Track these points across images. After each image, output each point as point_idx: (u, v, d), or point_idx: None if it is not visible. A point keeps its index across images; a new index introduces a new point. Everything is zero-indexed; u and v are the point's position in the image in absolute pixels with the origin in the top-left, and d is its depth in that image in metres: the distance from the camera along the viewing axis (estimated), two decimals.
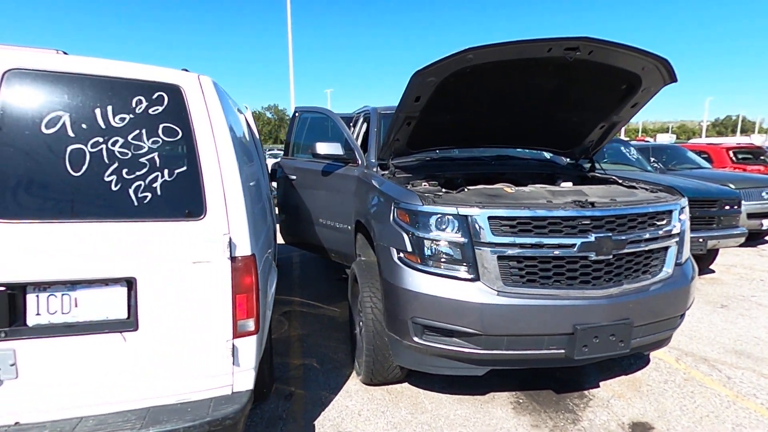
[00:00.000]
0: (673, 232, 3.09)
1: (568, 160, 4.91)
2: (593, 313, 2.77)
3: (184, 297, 2.09)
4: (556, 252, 2.77)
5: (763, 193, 8.24)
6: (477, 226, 2.77)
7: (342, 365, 3.96)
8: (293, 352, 4.23)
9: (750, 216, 7.97)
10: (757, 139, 32.91)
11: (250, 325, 2.23)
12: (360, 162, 4.53)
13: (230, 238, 2.13)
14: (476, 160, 4.43)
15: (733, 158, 11.45)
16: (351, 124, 5.83)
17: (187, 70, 2.35)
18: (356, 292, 3.86)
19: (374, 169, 4.18)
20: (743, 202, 6.88)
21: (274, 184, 6.08)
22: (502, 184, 3.87)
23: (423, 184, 3.76)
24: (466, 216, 2.80)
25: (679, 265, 3.16)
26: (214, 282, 2.12)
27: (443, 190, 3.54)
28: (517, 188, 3.35)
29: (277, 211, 5.93)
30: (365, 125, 5.34)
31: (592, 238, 2.77)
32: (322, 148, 4.52)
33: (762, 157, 11.94)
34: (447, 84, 3.21)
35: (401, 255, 3.01)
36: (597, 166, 4.40)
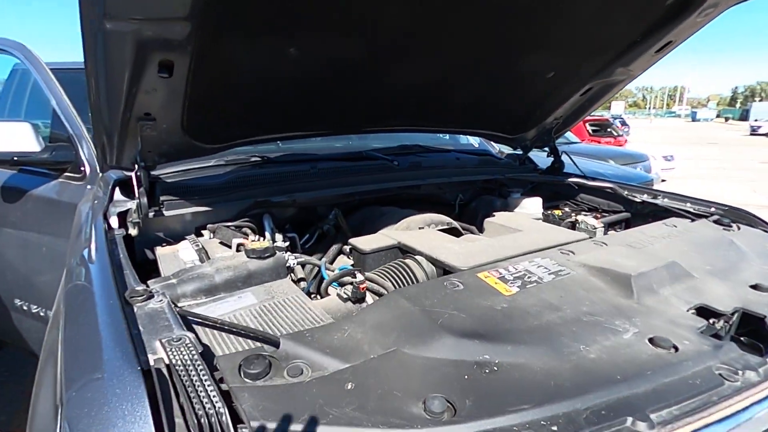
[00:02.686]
0: None
1: (501, 148, 2.99)
2: None
3: None
4: None
5: (638, 169, 7.82)
6: None
7: None
8: None
9: None
10: None
11: None
12: (87, 168, 1.87)
13: None
14: (360, 159, 2.15)
15: (589, 131, 11.45)
16: None
17: None
18: None
19: (110, 190, 1.60)
20: None
21: None
22: (427, 224, 1.70)
23: (237, 241, 1.36)
24: None
25: None
26: None
27: (291, 257, 1.22)
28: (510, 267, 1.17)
29: None
30: None
31: None
32: None
33: (609, 129, 12.30)
34: None
35: None
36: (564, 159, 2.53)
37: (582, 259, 1.17)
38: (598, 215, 2.27)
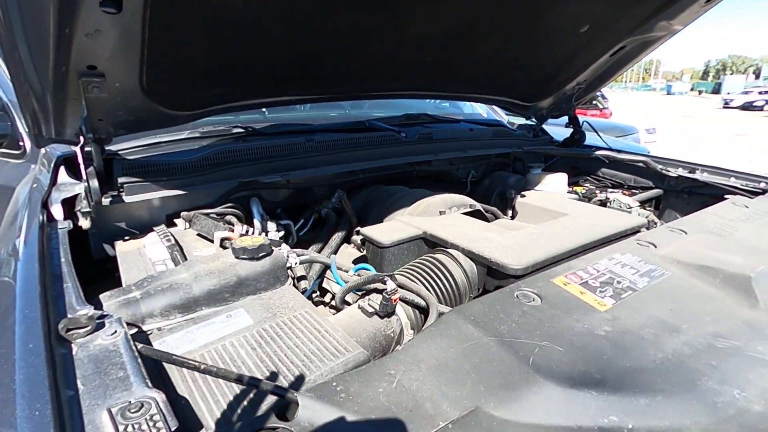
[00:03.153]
0: None
1: (510, 118, 2.72)
2: None
3: None
4: None
5: (630, 141, 7.72)
6: None
7: None
8: None
9: None
10: None
11: None
12: (28, 143, 1.51)
13: None
14: (362, 130, 1.82)
15: None
16: None
17: None
18: None
19: (52, 169, 1.25)
20: None
21: None
22: (448, 207, 1.43)
23: (221, 234, 1.06)
24: None
25: None
26: None
27: (292, 255, 0.93)
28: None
29: None
30: None
31: None
32: None
33: (594, 102, 12.16)
34: None
35: None
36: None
37: (669, 253, 0.92)
38: (626, 192, 2.05)
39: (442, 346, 0.62)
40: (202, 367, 0.60)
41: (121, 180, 1.21)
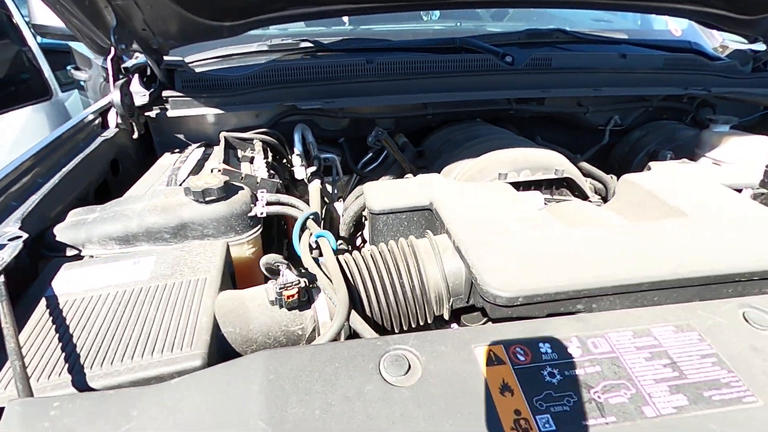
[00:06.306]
0: None
1: (717, 42, 1.82)
2: None
3: None
4: None
5: None
6: None
7: None
8: None
9: None
10: None
11: None
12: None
13: None
14: (450, 51, 1.43)
15: None
16: None
17: None
18: None
19: (109, 68, 1.34)
20: None
21: None
22: (517, 169, 1.04)
23: (213, 164, 1.00)
24: None
25: None
26: None
27: (262, 202, 0.82)
28: None
29: None
30: None
31: None
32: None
33: None
34: None
35: None
36: None
37: None
38: None
39: (208, 396, 0.42)
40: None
41: (165, 94, 1.23)
